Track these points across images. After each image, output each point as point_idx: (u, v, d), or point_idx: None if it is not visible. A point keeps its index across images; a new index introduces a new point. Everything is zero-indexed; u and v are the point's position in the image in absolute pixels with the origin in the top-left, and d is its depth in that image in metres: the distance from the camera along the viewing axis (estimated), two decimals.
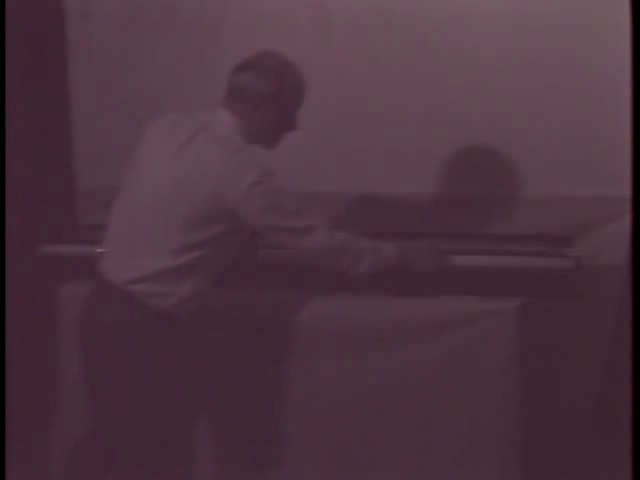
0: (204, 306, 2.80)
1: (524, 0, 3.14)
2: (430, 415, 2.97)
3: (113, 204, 2.80)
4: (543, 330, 2.97)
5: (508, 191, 3.19)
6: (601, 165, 3.10)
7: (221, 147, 2.65)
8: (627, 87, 2.54)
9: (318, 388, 3.01)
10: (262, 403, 3.07)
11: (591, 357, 3.03)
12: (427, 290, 2.98)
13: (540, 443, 2.98)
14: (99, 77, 3.46)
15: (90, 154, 3.47)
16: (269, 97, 2.71)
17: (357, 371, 2.98)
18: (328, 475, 3.04)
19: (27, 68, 3.40)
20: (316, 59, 3.31)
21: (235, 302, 3.05)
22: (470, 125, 3.20)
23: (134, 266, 2.68)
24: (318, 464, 3.04)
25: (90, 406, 2.81)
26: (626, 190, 2.54)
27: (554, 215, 3.13)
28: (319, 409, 3.03)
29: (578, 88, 3.09)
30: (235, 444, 3.11)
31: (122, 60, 3.44)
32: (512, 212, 3.18)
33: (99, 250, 2.81)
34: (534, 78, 3.14)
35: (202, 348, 2.99)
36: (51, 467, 3.27)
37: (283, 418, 3.05)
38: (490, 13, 3.16)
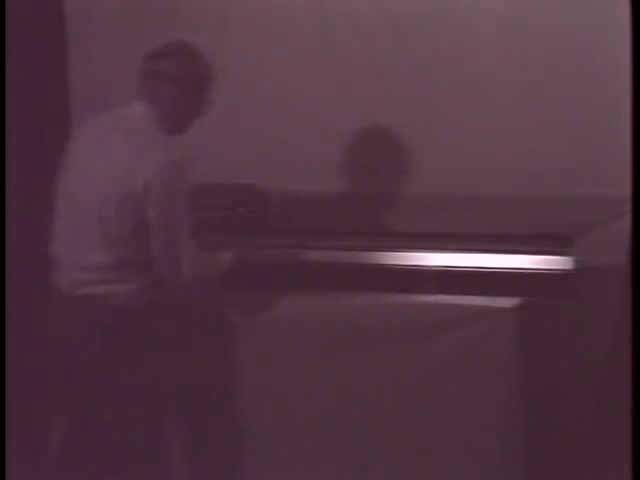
0: (160, 300, 2.81)
1: (524, 0, 3.14)
2: (430, 415, 2.97)
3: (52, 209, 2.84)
4: (543, 330, 2.96)
5: (508, 191, 3.19)
6: (601, 165, 3.09)
7: (128, 140, 2.69)
8: (627, 87, 2.54)
9: (318, 388, 3.01)
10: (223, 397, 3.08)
11: (591, 357, 3.03)
12: (427, 290, 2.98)
13: (540, 443, 2.98)
14: (99, 77, 3.46)
15: None
16: (188, 79, 2.75)
17: (357, 371, 2.98)
18: (327, 475, 3.04)
19: (27, 68, 3.40)
20: (316, 59, 3.32)
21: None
22: (470, 125, 3.20)
23: (74, 269, 2.74)
24: (317, 463, 3.04)
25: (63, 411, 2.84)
26: (626, 190, 2.54)
27: (554, 215, 3.13)
28: (318, 409, 3.03)
29: (578, 88, 3.09)
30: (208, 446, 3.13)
31: (122, 60, 3.43)
32: (512, 212, 3.17)
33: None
34: (534, 78, 3.14)
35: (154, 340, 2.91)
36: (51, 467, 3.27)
37: (279, 417, 3.05)
38: (490, 13, 3.16)
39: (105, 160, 2.69)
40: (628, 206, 2.56)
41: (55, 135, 3.47)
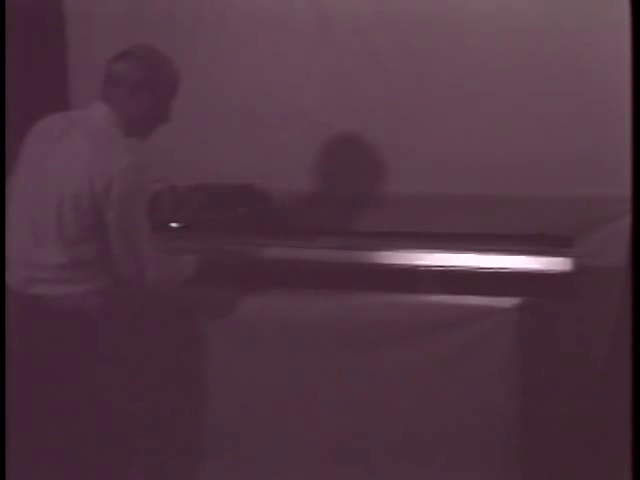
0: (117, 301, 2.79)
1: (524, 0, 3.14)
2: (430, 415, 2.97)
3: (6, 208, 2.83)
4: (542, 330, 2.96)
5: (508, 191, 3.19)
6: (601, 165, 3.09)
7: (90, 140, 2.68)
8: (627, 87, 2.54)
9: (317, 388, 3.01)
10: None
11: (591, 357, 3.03)
12: (427, 290, 2.98)
13: (540, 442, 2.98)
14: (99, 77, 3.45)
15: None
16: (144, 83, 2.74)
17: (357, 371, 2.98)
18: (327, 474, 3.04)
19: (27, 68, 3.40)
20: (316, 59, 3.32)
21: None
22: (470, 125, 3.20)
23: (26, 266, 2.72)
24: (317, 463, 3.04)
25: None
26: (626, 190, 2.54)
27: (554, 215, 3.13)
28: (318, 409, 3.03)
29: (578, 88, 3.09)
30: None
31: None
32: (512, 212, 3.17)
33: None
34: (534, 78, 3.14)
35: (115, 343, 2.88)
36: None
37: (277, 418, 3.05)
38: (490, 13, 3.16)
39: (65, 158, 2.68)
40: (628, 206, 2.56)
41: None
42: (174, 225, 3.28)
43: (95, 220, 2.65)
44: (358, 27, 3.29)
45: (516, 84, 3.17)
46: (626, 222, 2.81)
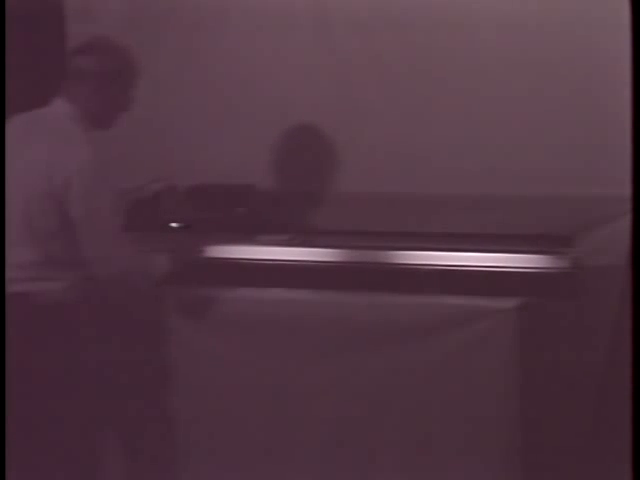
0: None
1: (524, 0, 3.14)
2: (429, 415, 2.97)
3: None
4: (543, 330, 2.96)
5: (508, 191, 3.19)
6: (601, 165, 3.09)
7: (48, 139, 2.69)
8: (627, 87, 2.54)
9: (317, 388, 3.01)
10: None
11: (591, 357, 3.03)
12: (427, 290, 2.98)
13: (540, 443, 2.98)
14: None
15: None
16: (107, 76, 2.75)
17: (357, 371, 2.98)
18: (327, 475, 3.04)
19: (27, 68, 3.40)
20: (316, 59, 3.32)
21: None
22: (470, 125, 3.20)
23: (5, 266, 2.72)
24: (317, 464, 3.04)
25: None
26: (626, 190, 2.54)
27: (554, 215, 3.13)
28: (318, 409, 3.03)
29: (578, 88, 3.09)
30: None
31: None
32: (512, 212, 3.17)
33: None
34: (534, 78, 3.14)
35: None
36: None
37: (277, 419, 3.05)
38: (490, 13, 3.16)
39: (27, 159, 2.69)
40: (628, 206, 2.56)
41: None
42: (174, 225, 3.29)
43: (61, 219, 2.66)
44: (357, 26, 3.30)
45: (516, 84, 3.17)
46: (626, 222, 2.81)
